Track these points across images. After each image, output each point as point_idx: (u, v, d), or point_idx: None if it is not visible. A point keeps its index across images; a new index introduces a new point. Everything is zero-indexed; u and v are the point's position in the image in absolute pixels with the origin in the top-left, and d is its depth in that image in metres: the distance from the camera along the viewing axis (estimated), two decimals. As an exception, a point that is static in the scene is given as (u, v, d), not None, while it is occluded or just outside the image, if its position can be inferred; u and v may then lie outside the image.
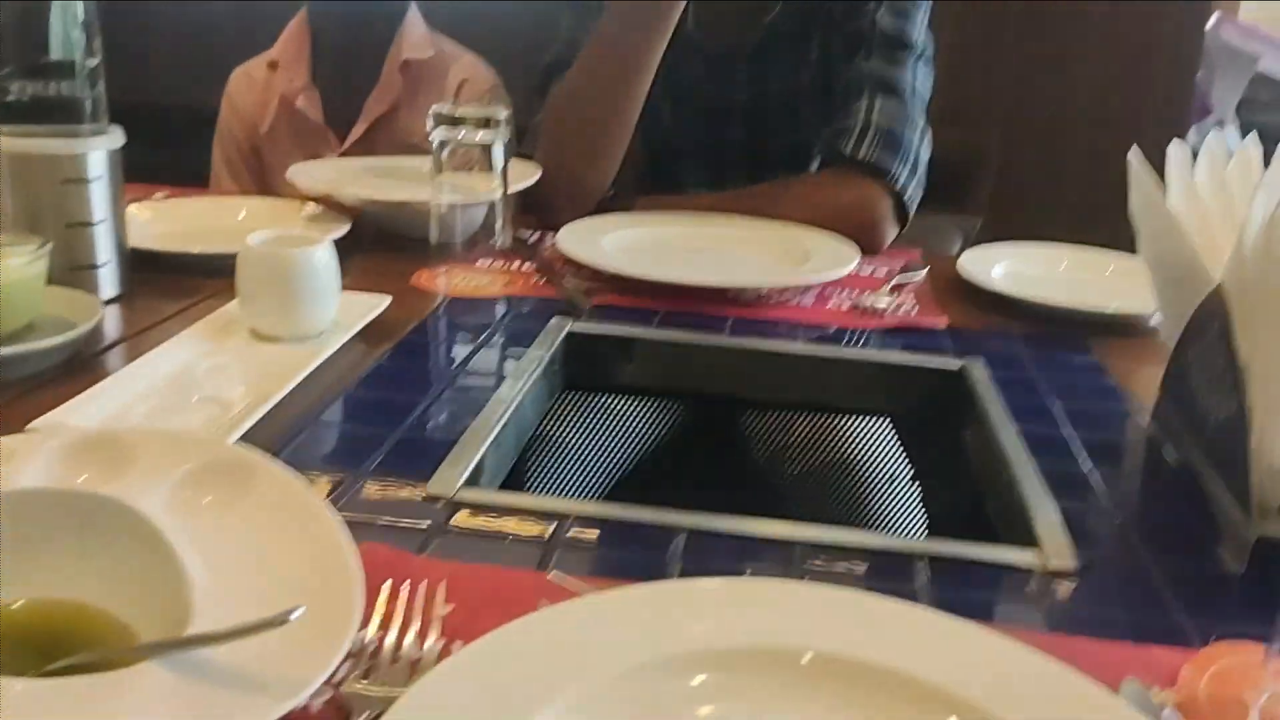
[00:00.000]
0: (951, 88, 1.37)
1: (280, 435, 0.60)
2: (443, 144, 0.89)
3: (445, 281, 0.92)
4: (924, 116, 1.18)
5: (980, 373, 0.78)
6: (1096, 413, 0.74)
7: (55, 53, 0.76)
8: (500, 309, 0.88)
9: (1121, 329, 0.91)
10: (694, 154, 1.32)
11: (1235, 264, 0.56)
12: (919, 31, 1.18)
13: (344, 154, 1.42)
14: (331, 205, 1.05)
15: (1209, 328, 0.60)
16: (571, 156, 1.13)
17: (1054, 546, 0.54)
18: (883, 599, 0.42)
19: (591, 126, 1.13)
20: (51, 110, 0.77)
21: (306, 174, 1.06)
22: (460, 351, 0.79)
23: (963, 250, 1.74)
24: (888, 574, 0.51)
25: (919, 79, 1.18)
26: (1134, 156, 0.67)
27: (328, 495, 0.53)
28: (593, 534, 0.52)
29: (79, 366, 0.69)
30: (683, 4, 1.07)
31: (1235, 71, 4.39)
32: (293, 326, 0.71)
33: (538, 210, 1.13)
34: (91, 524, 0.40)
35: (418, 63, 1.42)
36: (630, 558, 0.51)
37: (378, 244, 1.01)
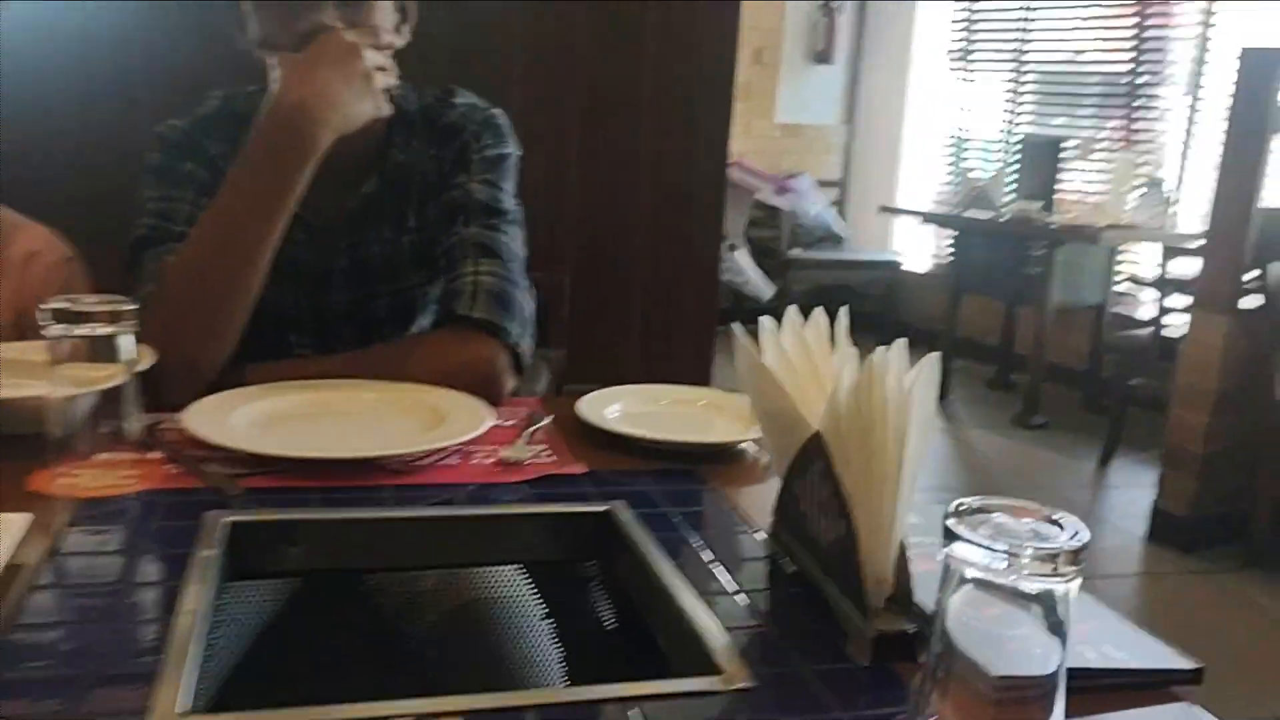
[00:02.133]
0: (530, 232, 1.50)
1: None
2: (60, 338, 0.84)
3: (70, 483, 0.86)
4: (524, 274, 1.29)
5: (625, 513, 0.88)
6: (725, 537, 0.86)
7: None
8: (140, 508, 0.84)
9: (723, 455, 1.07)
10: (298, 318, 1.33)
11: (831, 415, 0.70)
12: (509, 199, 1.31)
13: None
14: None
15: (812, 465, 0.74)
16: (189, 334, 1.10)
17: (733, 668, 0.64)
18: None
19: (212, 300, 1.11)
20: None
21: None
22: (110, 566, 0.74)
23: (554, 381, 1.89)
24: (609, 723, 0.57)
25: (515, 241, 1.30)
26: (736, 329, 0.81)
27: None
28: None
29: None
30: (327, 140, 1.10)
31: (740, 203, 5.15)
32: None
33: (150, 391, 1.08)
34: None
35: None
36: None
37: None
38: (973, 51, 5.68)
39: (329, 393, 1.11)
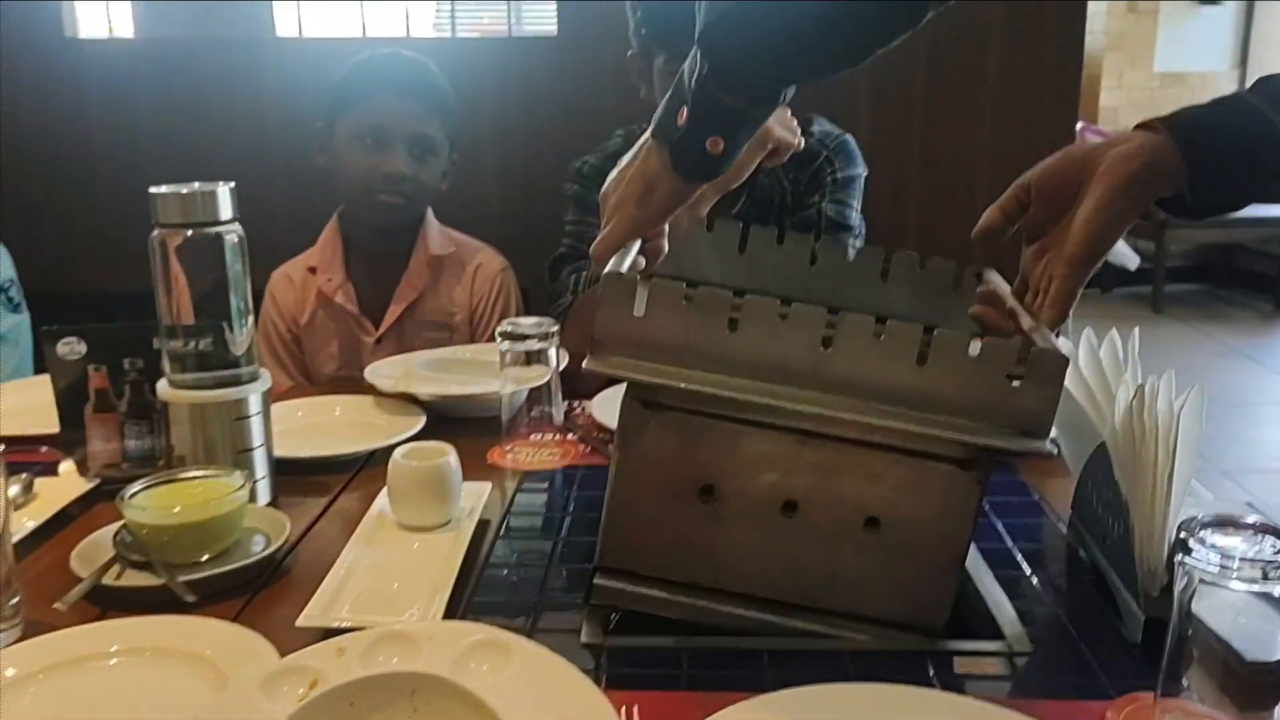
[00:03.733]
0: (871, 222, 1.64)
1: (454, 605, 0.83)
2: (507, 351, 1.14)
3: (513, 458, 1.16)
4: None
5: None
6: (1030, 526, 1.00)
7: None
8: (563, 478, 1.12)
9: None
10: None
11: (1110, 431, 0.83)
12: (855, 215, 1.48)
13: (380, 335, 1.66)
14: (402, 397, 1.28)
15: (1099, 470, 0.87)
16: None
17: (1014, 635, 0.79)
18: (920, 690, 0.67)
19: None
20: (216, 359, 1.00)
21: (380, 375, 1.30)
22: (553, 519, 1.02)
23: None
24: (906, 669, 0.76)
25: (856, 252, 1.47)
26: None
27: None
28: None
29: (274, 569, 0.91)
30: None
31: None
32: (437, 519, 0.94)
33: (568, 384, 1.38)
34: (418, 693, 0.62)
35: (441, 257, 1.69)
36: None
37: (443, 427, 1.25)
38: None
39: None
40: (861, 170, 1.50)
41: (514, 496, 1.07)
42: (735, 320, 0.73)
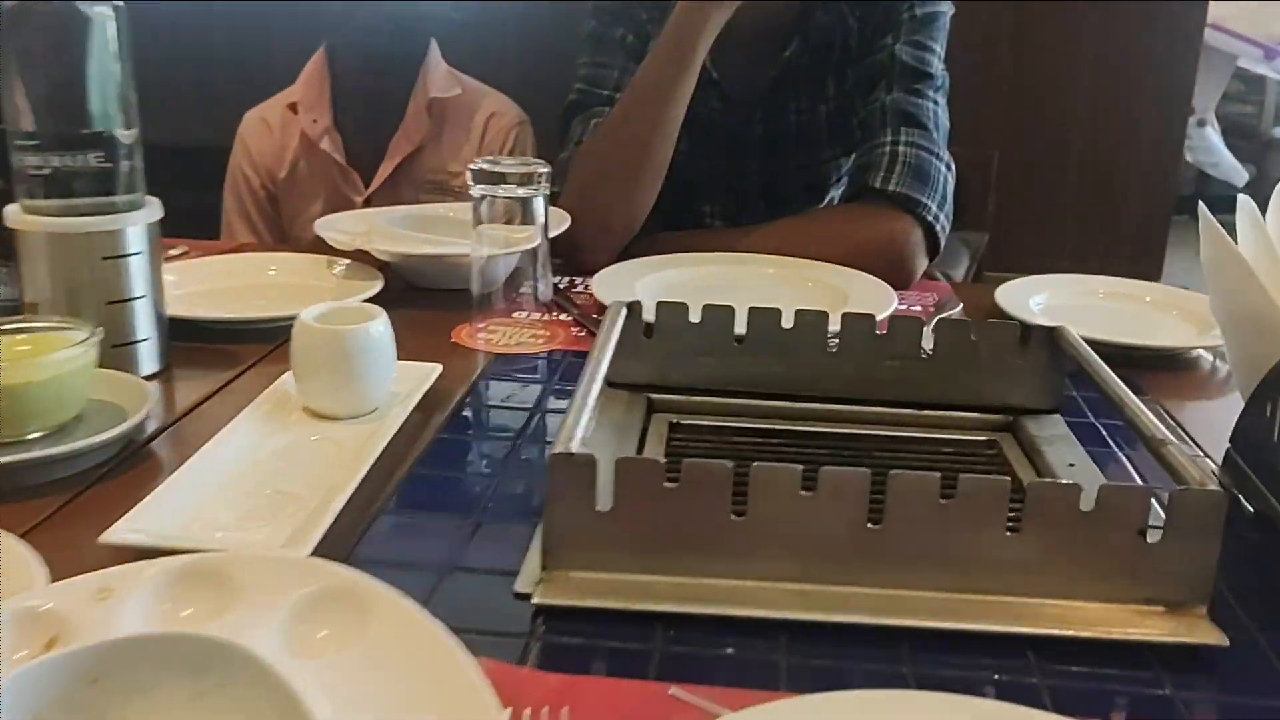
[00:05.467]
0: (950, 105, 1.36)
1: (351, 528, 0.58)
2: (482, 198, 0.88)
3: (486, 338, 0.90)
4: (946, 148, 1.17)
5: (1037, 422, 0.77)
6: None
7: (93, 124, 0.74)
8: (548, 366, 0.86)
9: (1170, 362, 0.91)
10: (711, 189, 1.32)
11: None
12: (938, 63, 1.18)
13: (370, 194, 1.41)
14: (361, 257, 1.03)
15: (1293, 387, 0.59)
16: (603, 200, 1.11)
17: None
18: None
19: (623, 164, 1.11)
20: (87, 184, 0.75)
21: (335, 228, 1.04)
22: (516, 420, 0.77)
23: (970, 271, 1.73)
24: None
25: (941, 110, 1.18)
26: (1204, 210, 0.66)
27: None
28: (700, 633, 0.51)
29: (130, 457, 0.67)
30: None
31: (1215, 72, 4.42)
32: (353, 405, 0.69)
33: (565, 253, 1.11)
34: (209, 670, 0.38)
35: (444, 101, 1.41)
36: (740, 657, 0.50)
37: (408, 297, 1.00)
38: None
39: (732, 267, 1.08)
40: (947, 6, 1.20)
41: (474, 385, 0.82)
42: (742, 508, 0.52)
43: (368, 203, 1.40)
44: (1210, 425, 0.78)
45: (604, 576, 0.53)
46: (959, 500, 0.51)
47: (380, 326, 0.70)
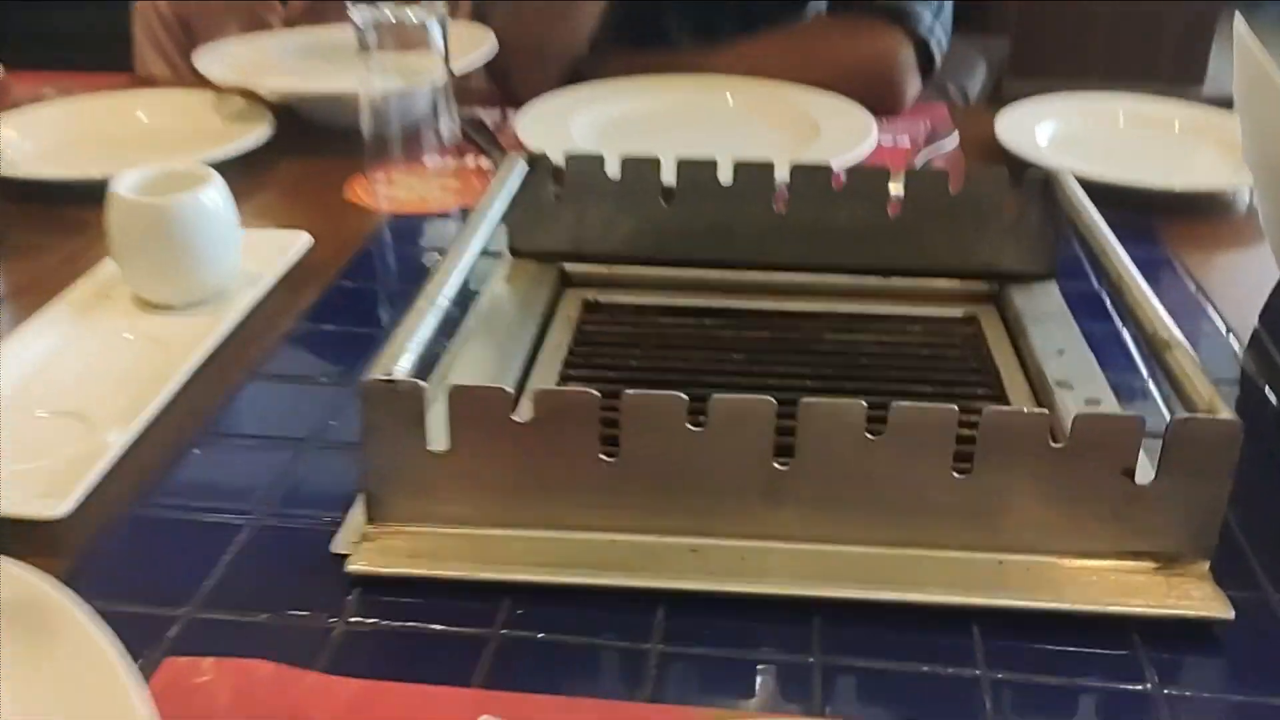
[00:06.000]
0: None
1: (162, 455, 0.47)
2: (368, 25, 0.73)
3: (384, 192, 0.77)
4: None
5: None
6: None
7: None
8: (457, 230, 0.73)
9: (1195, 206, 0.77)
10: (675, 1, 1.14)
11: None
12: None
13: (289, 15, 1.24)
14: (255, 97, 0.88)
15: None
16: (532, 14, 0.95)
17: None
18: None
19: None
20: None
21: (218, 60, 0.89)
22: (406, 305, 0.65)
23: (988, 83, 1.53)
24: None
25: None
26: (1239, 22, 0.51)
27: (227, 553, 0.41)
28: (555, 609, 0.40)
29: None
30: None
31: None
32: (185, 291, 0.57)
33: (498, 81, 0.96)
34: None
35: None
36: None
37: (303, 144, 0.86)
38: None
39: (688, 95, 0.93)
40: None
41: (356, 257, 0.69)
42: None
43: (289, 25, 1.23)
44: (1243, 290, 0.64)
45: (442, 532, 0.42)
46: (891, 434, 0.39)
47: (213, 193, 0.57)
